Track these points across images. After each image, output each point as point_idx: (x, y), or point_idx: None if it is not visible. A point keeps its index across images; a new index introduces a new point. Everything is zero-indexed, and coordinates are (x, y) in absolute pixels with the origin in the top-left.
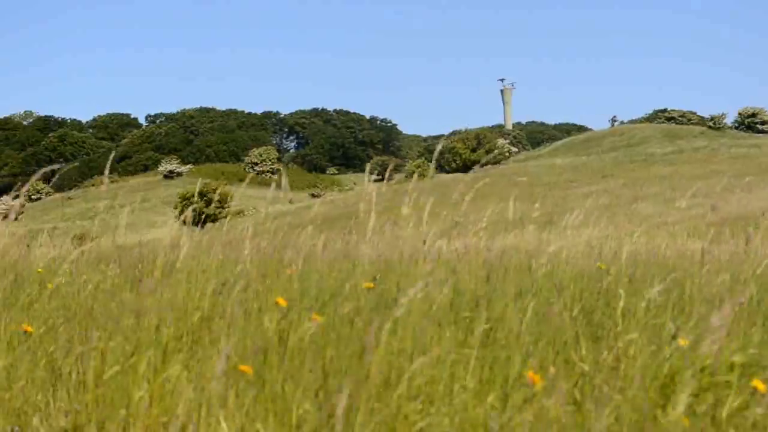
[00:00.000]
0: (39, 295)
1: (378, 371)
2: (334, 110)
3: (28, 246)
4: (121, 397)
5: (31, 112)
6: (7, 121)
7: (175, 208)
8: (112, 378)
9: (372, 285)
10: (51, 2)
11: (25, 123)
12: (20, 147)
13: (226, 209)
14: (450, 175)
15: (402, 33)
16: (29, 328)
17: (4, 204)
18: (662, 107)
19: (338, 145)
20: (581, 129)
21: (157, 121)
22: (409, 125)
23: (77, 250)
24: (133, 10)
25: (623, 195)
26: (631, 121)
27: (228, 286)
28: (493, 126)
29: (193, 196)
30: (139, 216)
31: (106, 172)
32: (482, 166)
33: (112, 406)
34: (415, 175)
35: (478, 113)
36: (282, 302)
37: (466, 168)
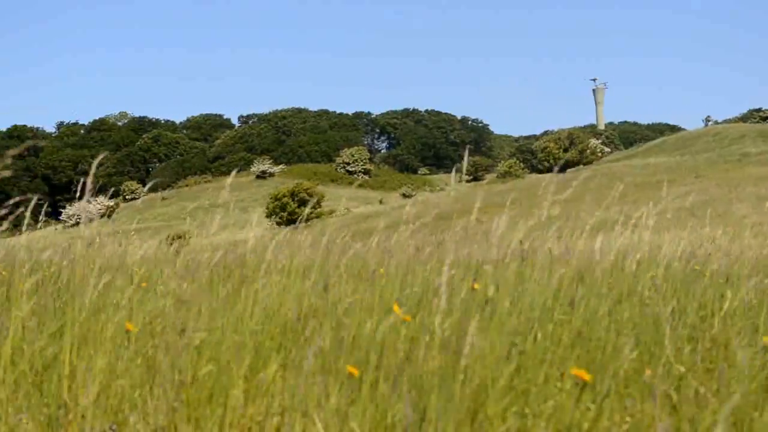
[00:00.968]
0: (135, 293)
1: (472, 373)
2: (426, 111)
3: (121, 245)
4: (218, 395)
5: (125, 113)
6: (102, 122)
7: (267, 208)
8: (208, 376)
9: (474, 286)
10: (150, 3)
11: (119, 124)
12: (115, 148)
13: (318, 209)
14: (542, 175)
15: (494, 33)
16: (131, 327)
17: (99, 204)
18: (757, 107)
19: (429, 146)
20: (674, 129)
21: (250, 121)
22: (500, 125)
23: (171, 250)
24: (230, 12)
25: (717, 195)
26: (726, 121)
27: (322, 286)
28: (585, 126)
29: (285, 196)
30: (231, 216)
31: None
32: (568, 168)
33: (208, 404)
34: (507, 176)
35: (570, 113)
36: (391, 306)
37: (558, 168)
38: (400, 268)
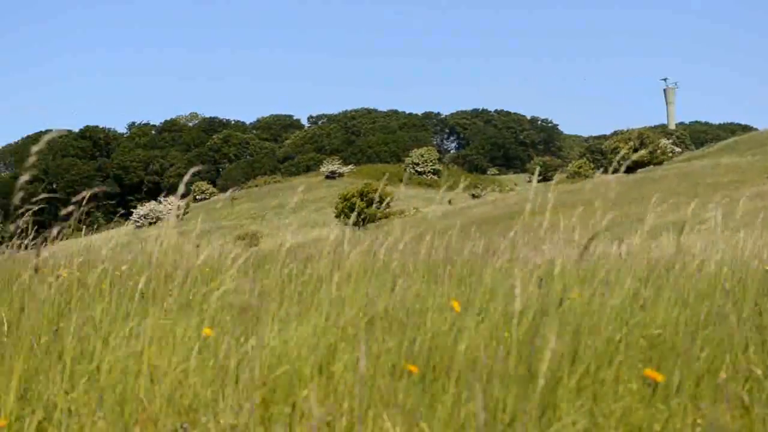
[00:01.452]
0: (208, 294)
1: (544, 373)
2: (495, 111)
3: (197, 246)
4: (288, 395)
5: (196, 113)
6: (173, 122)
7: (337, 208)
8: (279, 376)
9: (539, 287)
10: (222, 5)
11: (190, 125)
12: (186, 148)
13: (387, 209)
14: (612, 175)
15: (563, 33)
16: (208, 332)
17: (170, 204)
18: None
19: (499, 146)
20: (746, 129)
21: (320, 122)
22: (570, 125)
23: (242, 250)
24: (302, 14)
25: None
26: None
27: (391, 286)
28: (655, 126)
29: (354, 196)
30: (301, 216)
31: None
32: (638, 168)
33: (278, 404)
34: (577, 176)
35: (640, 113)
36: (456, 305)
37: (628, 169)
38: (468, 267)
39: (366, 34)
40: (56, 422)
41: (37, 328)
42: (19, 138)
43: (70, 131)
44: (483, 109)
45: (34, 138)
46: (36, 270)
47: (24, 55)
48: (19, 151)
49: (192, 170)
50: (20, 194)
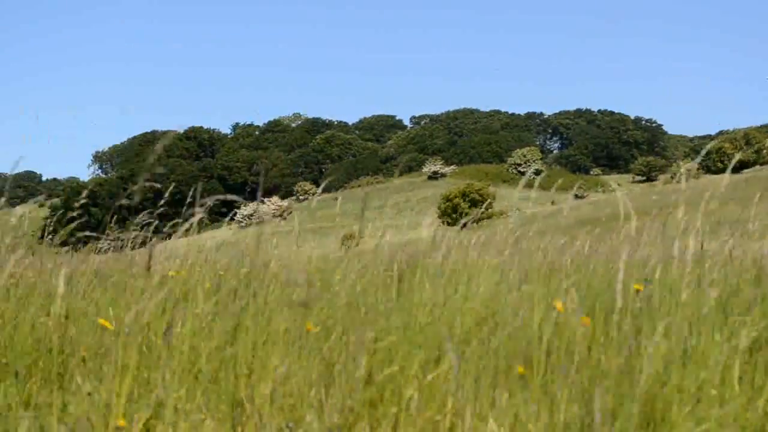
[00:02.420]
0: (310, 292)
1: (643, 375)
2: (598, 111)
3: (298, 246)
4: (392, 395)
5: (299, 114)
6: (276, 123)
7: (439, 208)
8: (383, 376)
9: (641, 287)
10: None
11: (293, 125)
12: (289, 148)
13: (489, 210)
14: (717, 175)
15: (668, 32)
16: (310, 327)
17: (273, 204)
18: None
19: (602, 146)
20: None
21: (422, 122)
22: (674, 125)
23: (346, 250)
24: (403, 13)
25: None
26: None
27: (492, 287)
28: (761, 126)
29: (456, 197)
30: (403, 216)
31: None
32: (744, 168)
33: (383, 404)
34: (682, 177)
35: (746, 113)
36: (559, 307)
37: (734, 168)
38: (574, 267)
39: (470, 34)
40: (165, 421)
41: (147, 327)
42: (126, 139)
43: (175, 132)
44: (586, 109)
45: (141, 139)
46: (147, 269)
47: (130, 57)
48: (125, 151)
49: (256, 167)
50: (135, 196)
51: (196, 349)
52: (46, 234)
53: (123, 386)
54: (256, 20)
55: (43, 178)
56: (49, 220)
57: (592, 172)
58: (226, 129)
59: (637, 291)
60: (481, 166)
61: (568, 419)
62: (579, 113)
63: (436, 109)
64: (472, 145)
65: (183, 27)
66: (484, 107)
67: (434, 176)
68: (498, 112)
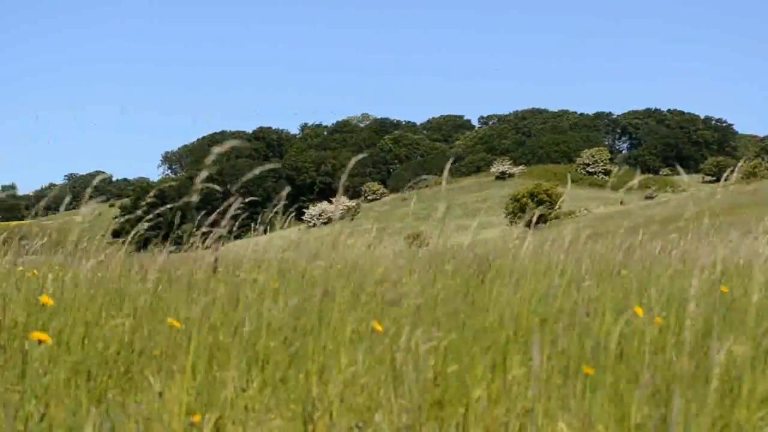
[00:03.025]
0: (376, 293)
1: (715, 378)
2: (668, 110)
3: (369, 246)
4: (461, 395)
5: (367, 114)
6: (344, 123)
7: (507, 209)
8: (452, 376)
9: (726, 288)
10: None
11: (361, 125)
12: (357, 149)
13: (557, 210)
14: None
15: (735, 30)
16: (379, 327)
17: (341, 204)
18: None
19: (671, 146)
20: None
21: (490, 122)
22: (745, 125)
23: (412, 250)
24: (470, 14)
25: None
26: None
27: (561, 288)
28: None
29: (524, 197)
30: (471, 216)
31: (445, 173)
32: None
33: (451, 404)
34: (752, 176)
35: None
36: (638, 310)
37: None
38: (643, 269)
39: (537, 36)
40: (235, 420)
41: (216, 326)
42: (196, 139)
43: (244, 132)
44: (656, 109)
45: (209, 139)
46: (214, 270)
47: (200, 58)
48: (195, 151)
49: (351, 163)
50: (193, 195)
51: (266, 349)
52: (117, 234)
53: (193, 385)
54: (326, 23)
55: (114, 179)
56: (118, 220)
57: (661, 172)
58: (294, 130)
59: (714, 289)
60: (550, 166)
61: (640, 421)
62: (648, 113)
63: (505, 109)
64: (540, 145)
65: (252, 27)
66: (553, 107)
67: (502, 176)
68: (566, 111)
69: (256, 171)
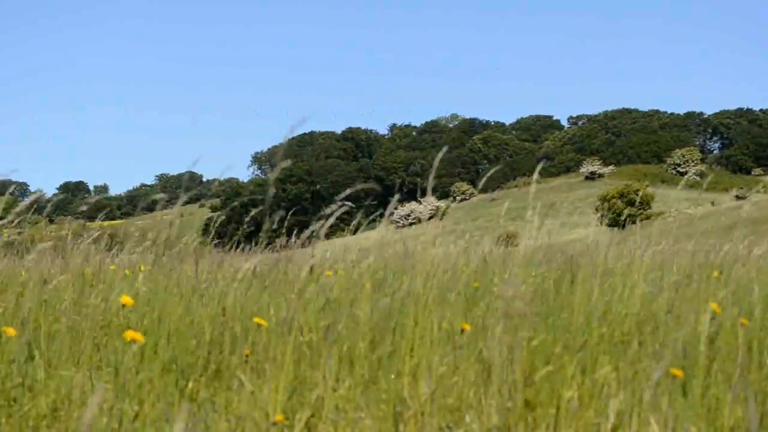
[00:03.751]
0: (470, 293)
1: None
2: (760, 110)
3: (467, 248)
4: (551, 397)
5: (456, 114)
6: (433, 124)
7: (596, 209)
8: (542, 378)
9: None
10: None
11: (450, 126)
12: (446, 150)
13: (647, 211)
14: None
15: None
16: (466, 326)
17: (430, 205)
18: None
19: (764, 146)
20: None
21: (579, 122)
22: None
23: (500, 251)
24: (559, 17)
25: None
26: None
27: (657, 289)
28: None
29: (614, 197)
30: (560, 217)
31: (535, 175)
32: None
33: (541, 405)
34: None
35: None
36: (715, 308)
37: None
38: (736, 269)
39: (626, 34)
40: (325, 419)
41: (307, 326)
42: (284, 139)
43: (332, 132)
44: (747, 109)
45: (298, 140)
46: (311, 270)
47: (287, 58)
48: (285, 152)
49: (437, 159)
50: (269, 189)
51: (355, 349)
52: (208, 233)
53: (283, 384)
54: (415, 25)
55: (204, 179)
56: (210, 220)
57: (753, 173)
58: (383, 130)
59: None
60: (640, 166)
61: (732, 423)
62: (740, 113)
63: (594, 109)
64: (630, 145)
65: (334, 32)
66: (643, 107)
67: (591, 176)
68: (657, 111)
69: (357, 187)
